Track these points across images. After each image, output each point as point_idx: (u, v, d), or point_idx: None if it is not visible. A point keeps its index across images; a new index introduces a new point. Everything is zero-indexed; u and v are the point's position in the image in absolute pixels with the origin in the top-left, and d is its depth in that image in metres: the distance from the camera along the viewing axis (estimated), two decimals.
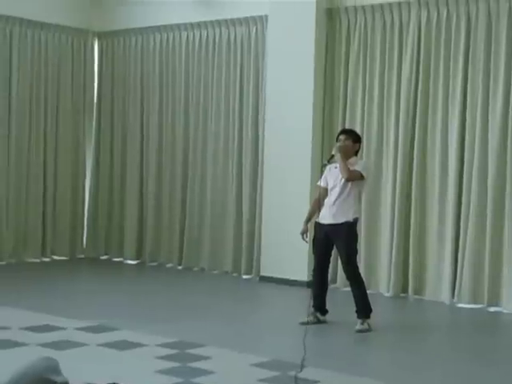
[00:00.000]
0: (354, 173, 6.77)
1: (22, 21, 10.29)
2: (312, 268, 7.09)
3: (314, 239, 7.03)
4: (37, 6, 10.42)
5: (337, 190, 6.82)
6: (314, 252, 7.06)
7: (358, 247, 7.07)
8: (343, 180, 6.76)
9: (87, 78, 11.16)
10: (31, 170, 10.49)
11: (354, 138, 7.00)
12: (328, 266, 7.15)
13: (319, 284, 7.00)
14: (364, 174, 6.85)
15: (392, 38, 8.72)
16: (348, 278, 6.99)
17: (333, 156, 6.86)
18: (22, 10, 10.25)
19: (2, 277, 9.40)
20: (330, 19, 9.17)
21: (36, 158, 10.53)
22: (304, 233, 7.00)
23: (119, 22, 10.98)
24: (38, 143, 10.55)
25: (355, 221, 6.88)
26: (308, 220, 7.06)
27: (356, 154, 7.02)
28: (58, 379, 3.53)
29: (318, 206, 6.98)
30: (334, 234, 6.81)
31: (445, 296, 8.29)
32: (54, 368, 3.61)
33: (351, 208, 6.82)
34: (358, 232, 7.15)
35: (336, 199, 6.81)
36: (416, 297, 8.52)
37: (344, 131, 7.21)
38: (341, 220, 6.78)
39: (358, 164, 6.90)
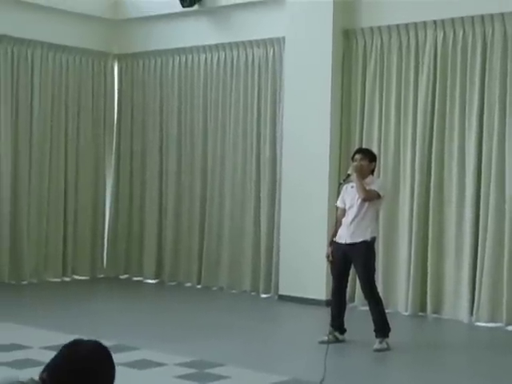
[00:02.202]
0: (371, 192, 6.81)
1: (43, 44, 10.46)
2: (330, 287, 7.10)
3: (331, 259, 7.06)
4: (57, 29, 10.58)
5: (354, 209, 6.86)
6: (332, 272, 7.09)
7: (375, 266, 7.09)
8: (360, 200, 6.80)
9: (107, 100, 11.30)
10: (52, 191, 10.61)
11: (369, 157, 7.04)
12: (346, 286, 7.17)
13: (337, 303, 7.02)
14: (381, 193, 6.89)
15: (408, 58, 8.78)
16: (366, 297, 7.01)
17: (349, 175, 6.90)
18: (42, 33, 10.42)
19: (23, 296, 9.50)
20: (347, 40, 9.24)
21: (57, 179, 10.66)
22: (329, 255, 7.03)
23: (138, 44, 11.12)
24: (58, 164, 10.68)
25: (373, 240, 6.91)
26: (331, 242, 7.07)
27: (372, 172, 7.06)
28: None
29: (339, 227, 7.01)
30: (352, 253, 6.84)
31: (463, 315, 8.28)
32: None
33: (369, 227, 6.85)
34: (376, 251, 7.18)
35: (353, 219, 6.84)
36: (434, 315, 8.52)
37: (360, 150, 7.25)
38: (358, 239, 6.81)
39: (374, 183, 6.94)
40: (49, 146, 10.56)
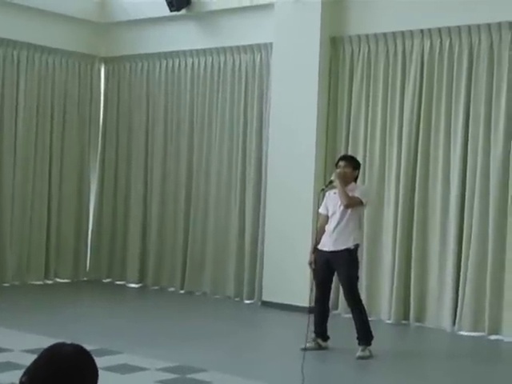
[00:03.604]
0: (353, 199, 6.80)
1: (29, 45, 10.42)
2: (313, 294, 7.09)
3: (314, 267, 7.04)
4: (44, 31, 10.54)
5: (337, 216, 6.86)
6: (315, 279, 7.08)
7: (359, 274, 7.09)
8: (342, 206, 6.80)
9: (93, 102, 11.27)
10: (36, 193, 10.56)
11: (353, 164, 7.03)
12: (329, 293, 7.16)
13: (321, 311, 7.02)
14: (363, 200, 6.89)
15: (395, 67, 8.81)
16: (349, 304, 7.01)
17: (331, 182, 6.90)
18: (29, 35, 10.38)
19: (4, 299, 9.42)
20: (334, 47, 9.27)
21: (41, 182, 10.61)
22: (311, 262, 7.00)
23: (125, 47, 11.10)
24: (43, 166, 10.63)
25: (356, 247, 6.91)
26: (314, 249, 7.04)
27: (355, 180, 7.06)
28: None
29: (322, 234, 7.00)
30: (335, 260, 6.83)
31: (446, 323, 8.30)
32: None
33: (351, 234, 6.85)
34: (360, 258, 7.17)
35: (336, 226, 6.84)
36: (417, 324, 8.53)
37: (344, 158, 7.23)
38: (341, 247, 6.80)
39: (357, 190, 6.94)
40: (33, 148, 10.51)
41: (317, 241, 7.04)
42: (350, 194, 6.79)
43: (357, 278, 6.96)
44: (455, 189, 8.31)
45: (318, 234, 7.03)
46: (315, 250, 7.01)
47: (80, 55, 11.04)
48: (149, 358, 6.27)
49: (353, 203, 6.79)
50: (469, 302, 8.11)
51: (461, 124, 8.31)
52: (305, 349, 6.53)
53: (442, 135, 8.46)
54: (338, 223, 6.83)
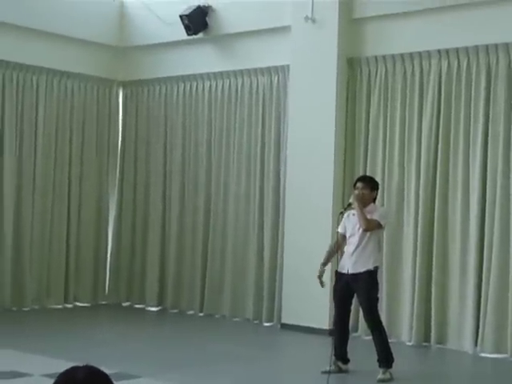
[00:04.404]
0: (372, 223, 6.76)
1: (48, 70, 10.50)
2: (333, 316, 7.04)
3: (334, 289, 7.01)
4: (62, 56, 10.62)
5: (356, 238, 6.82)
6: (335, 301, 7.03)
7: (379, 295, 7.04)
8: (361, 229, 6.77)
9: (111, 126, 11.32)
10: (55, 217, 10.60)
11: (371, 185, 6.99)
12: (349, 316, 7.09)
13: (340, 333, 6.96)
14: (382, 222, 6.84)
15: (412, 87, 8.79)
16: (369, 326, 6.95)
17: (350, 204, 6.88)
18: (48, 59, 10.46)
19: (24, 323, 9.45)
20: (351, 68, 9.27)
21: (60, 206, 10.65)
22: (321, 275, 6.94)
23: (143, 71, 11.16)
24: (61, 191, 10.67)
25: (376, 269, 6.86)
26: (325, 263, 7.02)
27: (374, 200, 7.02)
28: None
29: (335, 250, 6.97)
30: (355, 282, 6.79)
31: (467, 345, 8.20)
32: None
33: (371, 257, 6.81)
34: (379, 280, 7.12)
35: (355, 249, 6.80)
36: (439, 346, 8.44)
37: (361, 179, 7.18)
38: (361, 269, 6.76)
39: (376, 211, 6.89)
40: (52, 172, 10.56)
41: (328, 255, 7.04)
42: (369, 217, 6.75)
43: (377, 299, 6.91)
44: (475, 209, 8.24)
45: (331, 248, 7.05)
46: (326, 264, 6.99)
47: (98, 79, 11.11)
48: (167, 382, 6.24)
49: (371, 227, 6.75)
50: (490, 324, 8.01)
51: (479, 144, 8.26)
52: (327, 372, 6.47)
53: (460, 155, 8.40)
54: (358, 246, 6.79)
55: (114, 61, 11.31)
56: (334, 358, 6.87)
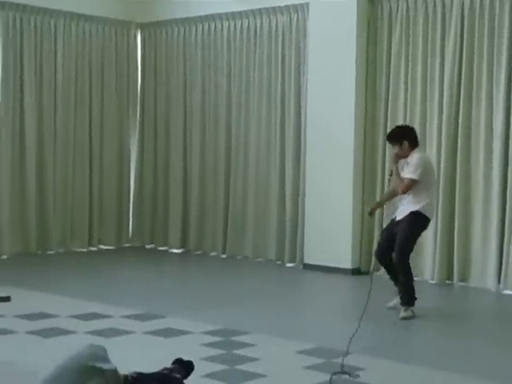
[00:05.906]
0: (406, 184, 6.74)
1: (66, 13, 10.42)
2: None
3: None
4: None
5: None
6: (382, 233, 7.27)
7: (417, 240, 7.01)
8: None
9: (130, 69, 11.27)
10: (77, 161, 10.65)
11: (398, 138, 6.85)
12: (389, 254, 6.95)
13: (387, 269, 7.07)
14: (414, 176, 6.72)
15: (434, 23, 8.63)
16: (396, 264, 6.87)
17: (392, 171, 6.94)
18: (66, 3, 10.38)
19: (50, 265, 9.57)
20: (372, 5, 9.11)
21: (82, 150, 10.69)
22: (372, 212, 7.38)
23: (162, 12, 11.05)
24: (83, 135, 10.70)
25: (421, 212, 6.79)
26: (380, 203, 7.54)
27: (413, 145, 6.86)
28: (105, 367, 3.54)
29: (395, 194, 7.05)
30: (399, 222, 6.88)
31: (491, 283, 8.21)
32: (102, 355, 3.62)
33: (418, 203, 6.79)
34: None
35: (405, 197, 6.86)
36: (461, 284, 8.46)
37: (388, 138, 7.10)
38: (406, 213, 6.84)
39: (410, 165, 6.80)
40: (73, 116, 10.57)
41: (387, 195, 7.29)
42: (405, 174, 6.75)
43: (411, 242, 6.86)
44: (498, 144, 8.16)
45: (392, 191, 7.09)
46: (381, 204, 7.59)
47: (116, 22, 11.02)
48: (192, 322, 6.32)
49: (406, 189, 6.75)
50: None
51: (503, 80, 8.12)
52: (393, 307, 6.93)
53: (483, 92, 8.27)
54: (408, 195, 6.83)
55: (132, 3, 11.20)
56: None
